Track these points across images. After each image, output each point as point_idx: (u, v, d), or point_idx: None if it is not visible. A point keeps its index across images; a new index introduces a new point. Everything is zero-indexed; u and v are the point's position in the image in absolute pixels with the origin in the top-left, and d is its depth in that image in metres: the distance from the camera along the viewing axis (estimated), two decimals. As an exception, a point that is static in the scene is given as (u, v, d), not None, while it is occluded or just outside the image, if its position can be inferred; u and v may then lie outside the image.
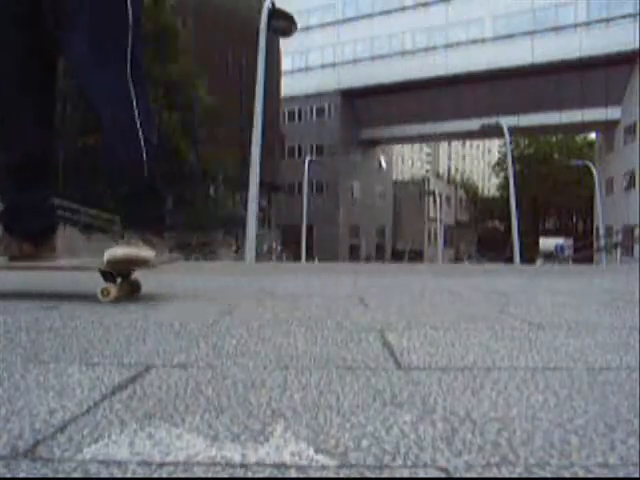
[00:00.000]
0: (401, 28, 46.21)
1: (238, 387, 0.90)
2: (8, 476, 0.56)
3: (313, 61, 51.28)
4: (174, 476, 0.58)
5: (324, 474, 0.58)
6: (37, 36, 2.16)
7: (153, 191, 2.19)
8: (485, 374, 0.99)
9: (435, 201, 65.96)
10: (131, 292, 2.19)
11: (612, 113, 40.21)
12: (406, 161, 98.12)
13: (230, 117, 22.95)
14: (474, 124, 29.80)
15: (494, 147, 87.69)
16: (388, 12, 47.46)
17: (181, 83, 20.98)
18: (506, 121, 40.85)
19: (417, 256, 52.35)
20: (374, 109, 47.97)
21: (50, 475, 0.57)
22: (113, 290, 2.01)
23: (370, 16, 48.39)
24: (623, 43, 36.84)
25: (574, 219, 67.43)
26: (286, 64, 49.52)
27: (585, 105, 40.32)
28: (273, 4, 12.93)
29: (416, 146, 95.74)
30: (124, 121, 2.09)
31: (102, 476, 0.57)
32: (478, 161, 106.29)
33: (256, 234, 13.03)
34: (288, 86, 46.96)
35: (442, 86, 44.21)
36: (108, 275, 2.05)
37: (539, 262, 32.27)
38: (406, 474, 0.58)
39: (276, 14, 12.45)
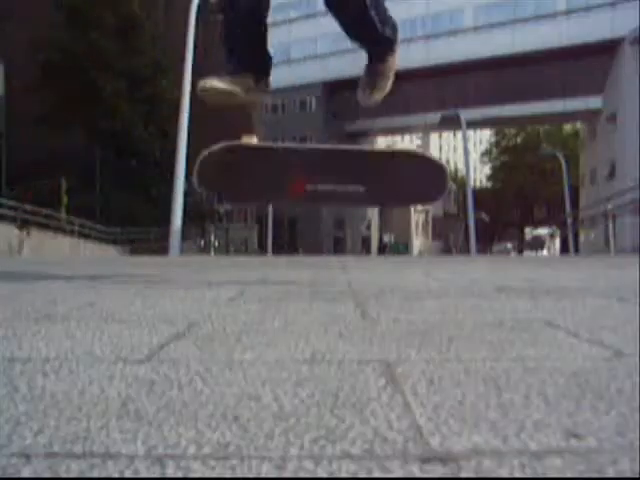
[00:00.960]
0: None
1: None
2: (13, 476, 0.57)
3: (295, 54, 50.98)
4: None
5: None
6: None
7: None
8: None
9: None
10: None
11: (594, 102, 40.07)
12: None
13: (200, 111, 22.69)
14: (454, 115, 29.56)
15: (485, 138, 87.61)
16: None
17: (147, 76, 20.74)
18: (488, 112, 40.85)
19: (404, 249, 52.19)
20: (356, 101, 47.62)
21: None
22: None
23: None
24: (602, 32, 36.66)
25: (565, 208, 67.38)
26: (268, 57, 49.21)
27: (567, 94, 40.16)
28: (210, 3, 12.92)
29: (406, 137, 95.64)
30: None
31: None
32: (469, 152, 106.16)
33: (228, 228, 12.91)
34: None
35: (423, 77, 44.00)
36: None
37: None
38: None
39: (211, 7, 12.50)
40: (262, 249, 32.22)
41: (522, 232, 63.19)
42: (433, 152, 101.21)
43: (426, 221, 67.88)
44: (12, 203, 14.17)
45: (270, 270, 4.45)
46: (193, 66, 14.39)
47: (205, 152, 2.71)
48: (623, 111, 34.71)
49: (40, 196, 15.73)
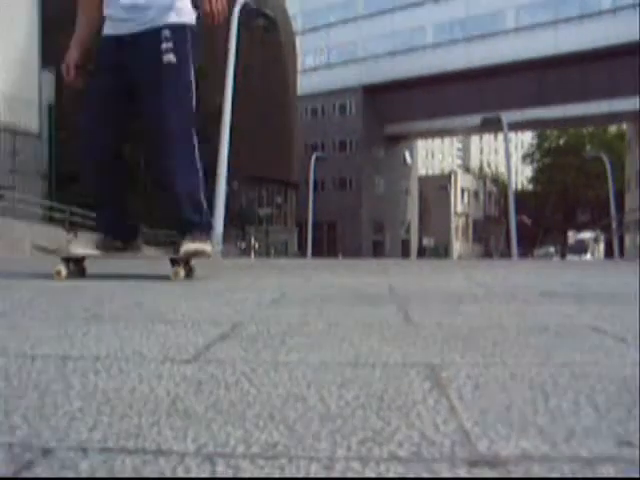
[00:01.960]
0: (421, 22, 45.67)
1: None
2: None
3: (335, 57, 51.07)
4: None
5: None
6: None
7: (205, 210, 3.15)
8: None
9: (463, 196, 65.13)
10: (190, 273, 3.12)
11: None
12: (436, 155, 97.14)
13: (242, 116, 22.92)
14: (495, 117, 29.14)
15: (527, 140, 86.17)
16: (408, 6, 46.94)
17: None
18: (530, 113, 40.16)
19: (444, 252, 51.69)
20: (396, 104, 47.49)
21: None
22: (181, 272, 2.93)
23: (391, 11, 47.96)
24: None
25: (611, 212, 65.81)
26: (308, 61, 49.46)
27: (612, 95, 39.20)
28: (247, 4, 13.03)
29: (446, 140, 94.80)
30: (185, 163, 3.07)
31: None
32: (511, 154, 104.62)
33: (269, 231, 13.07)
34: (310, 83, 46.88)
35: (463, 79, 43.55)
36: (176, 262, 2.99)
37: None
38: None
39: (253, 13, 12.59)
40: (302, 252, 32.35)
41: (565, 236, 61.85)
42: (474, 154, 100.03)
43: (466, 224, 67.14)
44: (62, 206, 14.57)
45: (311, 273, 4.46)
46: (235, 71, 14.55)
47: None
48: (672, 112, 33.70)
49: (86, 199, 16.10)
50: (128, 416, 0.74)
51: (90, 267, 3.39)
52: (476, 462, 0.60)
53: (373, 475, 0.57)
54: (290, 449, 0.64)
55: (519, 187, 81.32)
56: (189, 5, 3.12)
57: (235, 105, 14.67)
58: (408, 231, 57.05)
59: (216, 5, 2.95)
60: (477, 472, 0.58)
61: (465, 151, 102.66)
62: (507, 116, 28.85)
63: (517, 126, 43.89)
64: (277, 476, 0.57)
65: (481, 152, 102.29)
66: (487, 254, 59.13)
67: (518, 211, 29.58)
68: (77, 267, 3.17)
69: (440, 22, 45.30)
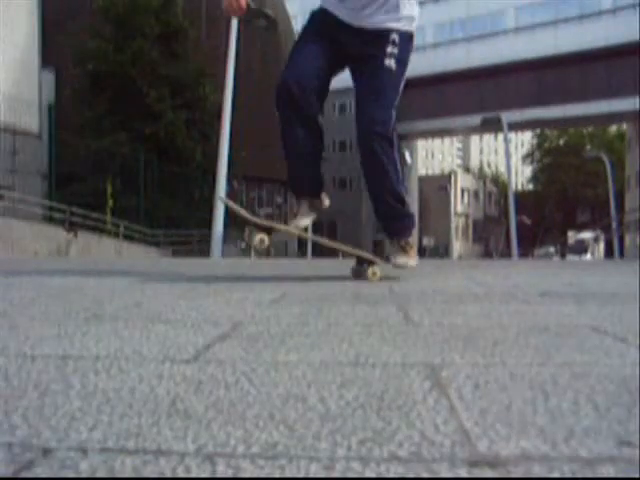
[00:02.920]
0: (421, 22, 45.53)
1: None
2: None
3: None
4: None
5: None
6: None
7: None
8: None
9: (463, 196, 65.14)
10: None
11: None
12: (436, 155, 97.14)
13: (242, 116, 22.87)
14: (495, 117, 29.13)
15: (527, 140, 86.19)
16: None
17: (189, 81, 21.05)
18: (530, 113, 40.15)
19: (444, 252, 51.68)
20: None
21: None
22: (378, 273, 3.06)
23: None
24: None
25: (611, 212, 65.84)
26: (308, 61, 49.43)
27: (612, 95, 39.19)
28: (248, 4, 13.02)
29: (446, 140, 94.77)
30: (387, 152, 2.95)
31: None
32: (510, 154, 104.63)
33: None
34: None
35: (464, 80, 43.55)
36: (369, 263, 3.10)
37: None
38: None
39: (253, 13, 12.62)
40: (302, 252, 32.35)
41: (565, 236, 61.88)
42: (474, 154, 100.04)
43: (466, 224, 67.13)
44: (62, 206, 14.56)
45: (311, 273, 4.46)
46: (235, 71, 14.55)
47: None
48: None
49: (86, 199, 16.11)
50: (128, 416, 0.74)
51: (88, 268, 3.39)
52: (476, 462, 0.60)
53: (373, 475, 0.57)
54: (290, 449, 0.64)
55: (519, 187, 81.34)
56: (416, 14, 3.12)
57: (235, 105, 14.67)
58: (408, 231, 56.98)
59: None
60: (477, 472, 0.58)
61: (465, 151, 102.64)
62: (507, 116, 28.84)
63: (517, 126, 43.88)
64: (277, 476, 0.57)
65: (481, 152, 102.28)
66: (487, 254, 59.14)
67: (518, 211, 29.57)
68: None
69: (440, 22, 45.29)
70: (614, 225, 30.47)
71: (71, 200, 15.18)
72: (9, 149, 15.28)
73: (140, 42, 20.14)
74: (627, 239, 36.51)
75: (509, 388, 0.88)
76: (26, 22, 16.97)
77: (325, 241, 3.38)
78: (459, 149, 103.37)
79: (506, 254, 51.11)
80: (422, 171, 73.85)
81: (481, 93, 42.94)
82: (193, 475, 0.58)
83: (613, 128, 60.57)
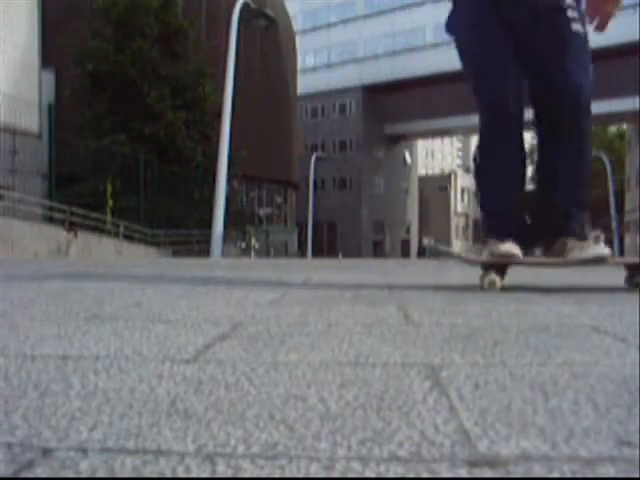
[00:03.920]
0: (421, 22, 45.68)
1: None
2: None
3: (335, 57, 51.09)
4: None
5: None
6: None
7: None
8: None
9: (463, 196, 65.15)
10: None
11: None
12: (436, 155, 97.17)
13: (242, 115, 22.90)
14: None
15: (527, 139, 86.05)
16: (408, 6, 46.95)
17: (189, 81, 21.05)
18: (529, 113, 40.10)
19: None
20: (397, 104, 47.52)
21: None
22: (497, 281, 2.48)
23: (392, 11, 47.97)
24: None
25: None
26: (308, 61, 49.47)
27: (612, 95, 39.20)
28: (248, 4, 13.05)
29: (446, 140, 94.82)
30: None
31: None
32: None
33: (269, 231, 13.14)
34: (310, 83, 46.87)
35: (463, 79, 43.52)
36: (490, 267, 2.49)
37: None
38: None
39: (253, 13, 12.63)
40: (302, 252, 32.37)
41: (565, 236, 61.83)
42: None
43: (466, 224, 67.16)
44: (62, 206, 14.57)
45: (311, 273, 4.46)
46: (235, 71, 14.56)
47: None
48: (672, 112, 33.71)
49: (86, 199, 16.13)
50: (128, 416, 0.74)
51: (88, 269, 3.38)
52: (476, 462, 0.60)
53: (373, 475, 0.57)
54: (290, 449, 0.64)
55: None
56: None
57: (235, 105, 14.68)
58: (408, 231, 57.07)
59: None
60: (477, 472, 0.58)
61: (465, 151, 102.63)
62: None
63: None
64: (277, 476, 0.57)
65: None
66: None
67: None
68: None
69: (440, 22, 45.24)
70: (614, 225, 30.47)
71: (71, 200, 15.18)
72: (9, 149, 15.29)
73: (140, 42, 20.14)
74: (627, 239, 36.52)
75: (509, 388, 0.88)
76: (26, 22, 16.97)
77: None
78: (459, 149, 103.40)
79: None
80: (422, 171, 73.85)
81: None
82: (193, 475, 0.58)
83: (613, 128, 60.59)
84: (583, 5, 2.66)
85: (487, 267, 2.54)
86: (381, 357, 1.11)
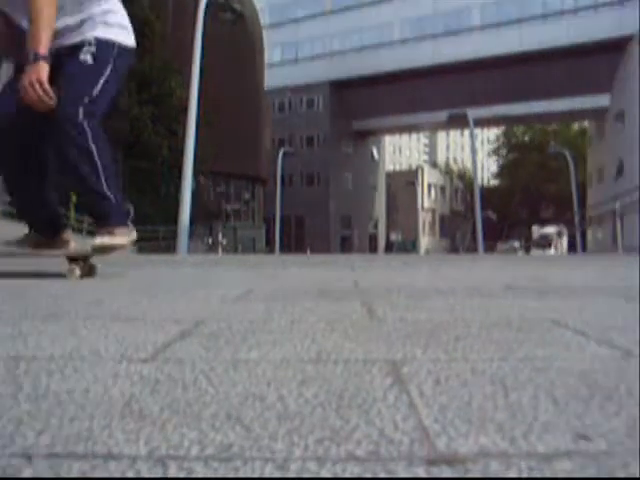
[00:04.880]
0: (389, 18, 45.84)
1: None
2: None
3: (302, 52, 50.95)
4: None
5: None
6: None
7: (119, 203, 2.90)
8: None
9: (430, 191, 65.72)
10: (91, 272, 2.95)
11: (602, 101, 39.84)
12: (403, 151, 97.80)
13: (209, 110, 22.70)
14: (462, 114, 29.41)
15: (493, 137, 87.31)
16: (376, 3, 47.08)
17: (156, 76, 20.78)
18: (495, 110, 40.69)
19: (412, 247, 52.07)
20: (364, 100, 47.63)
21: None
22: (76, 271, 2.81)
23: (359, 6, 48.03)
24: (610, 30, 36.46)
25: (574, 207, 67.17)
26: (275, 56, 49.23)
27: (575, 93, 39.94)
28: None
29: (413, 136, 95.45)
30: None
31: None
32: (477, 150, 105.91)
33: (237, 227, 13.03)
34: (277, 78, 46.67)
35: (430, 76, 43.89)
36: (73, 260, 2.86)
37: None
38: None
39: (219, 6, 12.54)
40: (270, 248, 32.25)
41: (529, 230, 62.95)
42: (441, 150, 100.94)
43: (433, 219, 67.76)
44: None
45: (278, 269, 4.44)
46: (201, 66, 14.41)
47: None
48: (631, 109, 34.50)
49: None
50: (79, 419, 0.72)
51: (47, 267, 3.30)
52: (434, 460, 0.59)
53: (329, 475, 0.56)
54: (245, 450, 0.62)
55: (485, 183, 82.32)
56: (121, 24, 3.21)
57: (202, 100, 14.53)
58: (376, 226, 57.35)
59: (34, 93, 2.73)
60: (435, 471, 0.57)
61: (432, 147, 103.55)
62: (473, 112, 29.18)
63: (483, 122, 44.43)
64: (231, 476, 0.56)
65: (448, 148, 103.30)
66: (454, 249, 59.78)
67: (484, 206, 29.95)
68: None
69: (407, 18, 45.54)
70: (576, 220, 31.10)
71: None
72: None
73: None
74: (589, 234, 37.32)
75: (470, 384, 0.88)
76: None
77: None
78: (426, 145, 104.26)
79: (472, 249, 51.75)
80: (390, 167, 74.26)
81: (448, 89, 43.33)
82: (144, 477, 0.56)
83: (575, 125, 61.68)
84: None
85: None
86: (343, 354, 1.10)
